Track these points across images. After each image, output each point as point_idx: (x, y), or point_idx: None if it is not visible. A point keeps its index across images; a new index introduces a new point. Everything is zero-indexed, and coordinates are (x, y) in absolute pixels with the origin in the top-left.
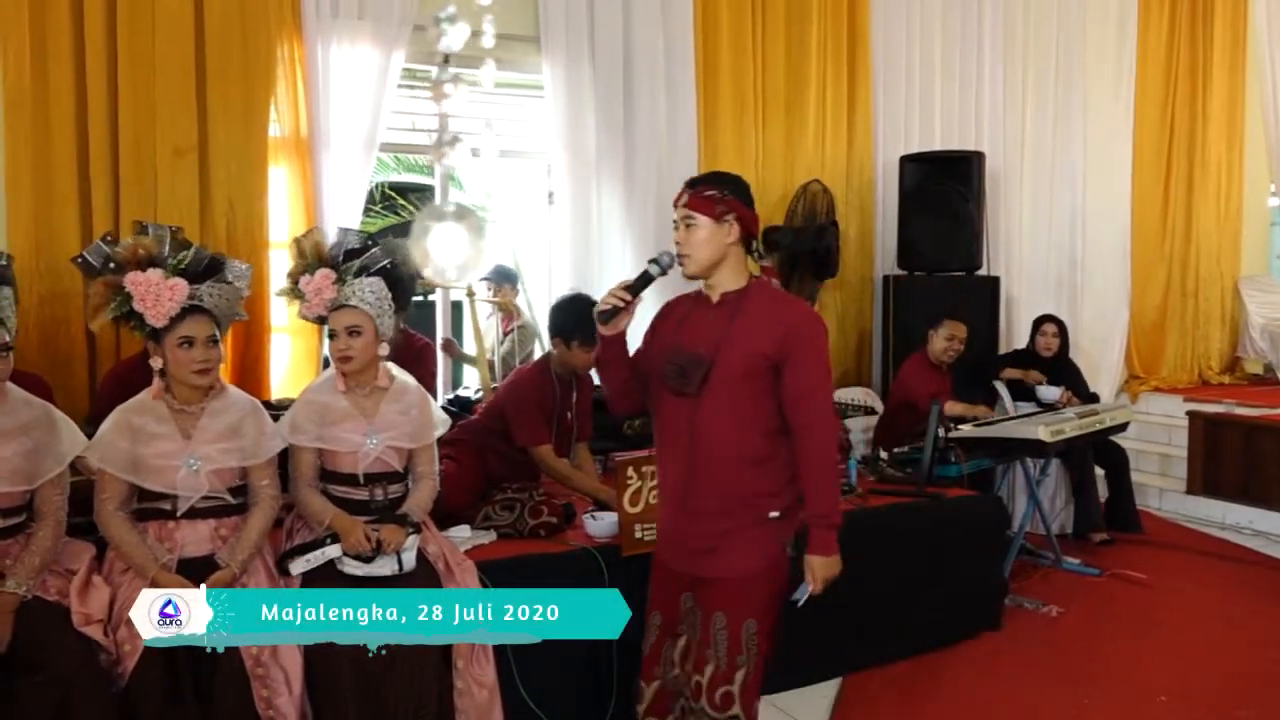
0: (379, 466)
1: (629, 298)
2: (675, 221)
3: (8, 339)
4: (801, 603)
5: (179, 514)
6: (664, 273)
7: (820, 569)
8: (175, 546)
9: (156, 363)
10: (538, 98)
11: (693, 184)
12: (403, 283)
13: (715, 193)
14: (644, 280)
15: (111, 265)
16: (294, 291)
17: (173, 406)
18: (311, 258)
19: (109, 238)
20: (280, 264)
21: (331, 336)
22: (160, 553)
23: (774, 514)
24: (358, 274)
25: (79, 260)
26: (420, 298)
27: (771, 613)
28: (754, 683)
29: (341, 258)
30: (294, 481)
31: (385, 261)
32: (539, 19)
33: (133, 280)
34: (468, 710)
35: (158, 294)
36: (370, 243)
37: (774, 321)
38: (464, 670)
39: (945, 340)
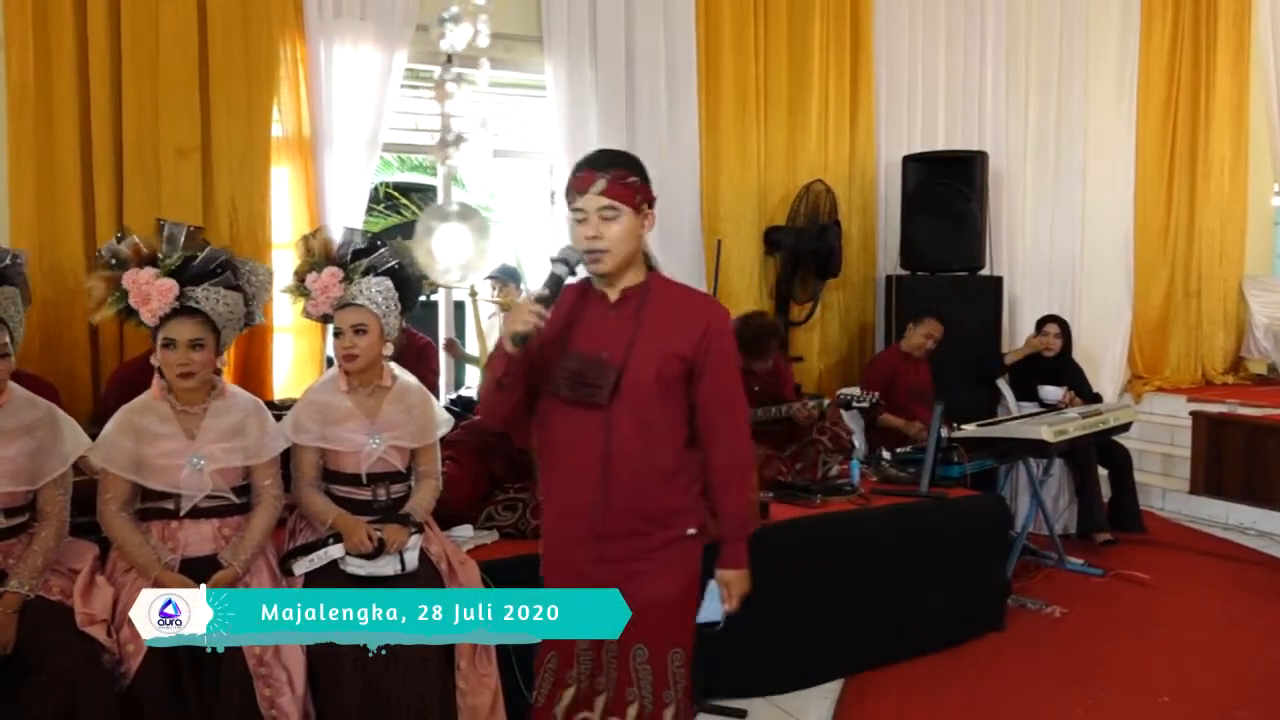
0: (381, 466)
1: (546, 314)
2: (583, 213)
3: (7, 341)
4: (721, 626)
5: (182, 513)
6: (573, 273)
7: (737, 584)
8: (178, 546)
9: (156, 360)
10: (540, 98)
11: (606, 167)
12: (410, 283)
13: (635, 179)
14: (556, 286)
15: (114, 261)
16: (299, 289)
17: (175, 407)
18: (319, 256)
19: (120, 235)
20: (283, 264)
21: (337, 335)
22: (163, 553)
23: (691, 531)
24: (365, 273)
25: (98, 254)
26: (424, 298)
27: (693, 637)
28: (686, 718)
29: (349, 257)
30: (296, 481)
31: (393, 262)
32: (541, 19)
33: (128, 278)
34: (470, 710)
35: (146, 293)
36: (379, 243)
37: (689, 318)
38: (466, 670)
39: (923, 337)
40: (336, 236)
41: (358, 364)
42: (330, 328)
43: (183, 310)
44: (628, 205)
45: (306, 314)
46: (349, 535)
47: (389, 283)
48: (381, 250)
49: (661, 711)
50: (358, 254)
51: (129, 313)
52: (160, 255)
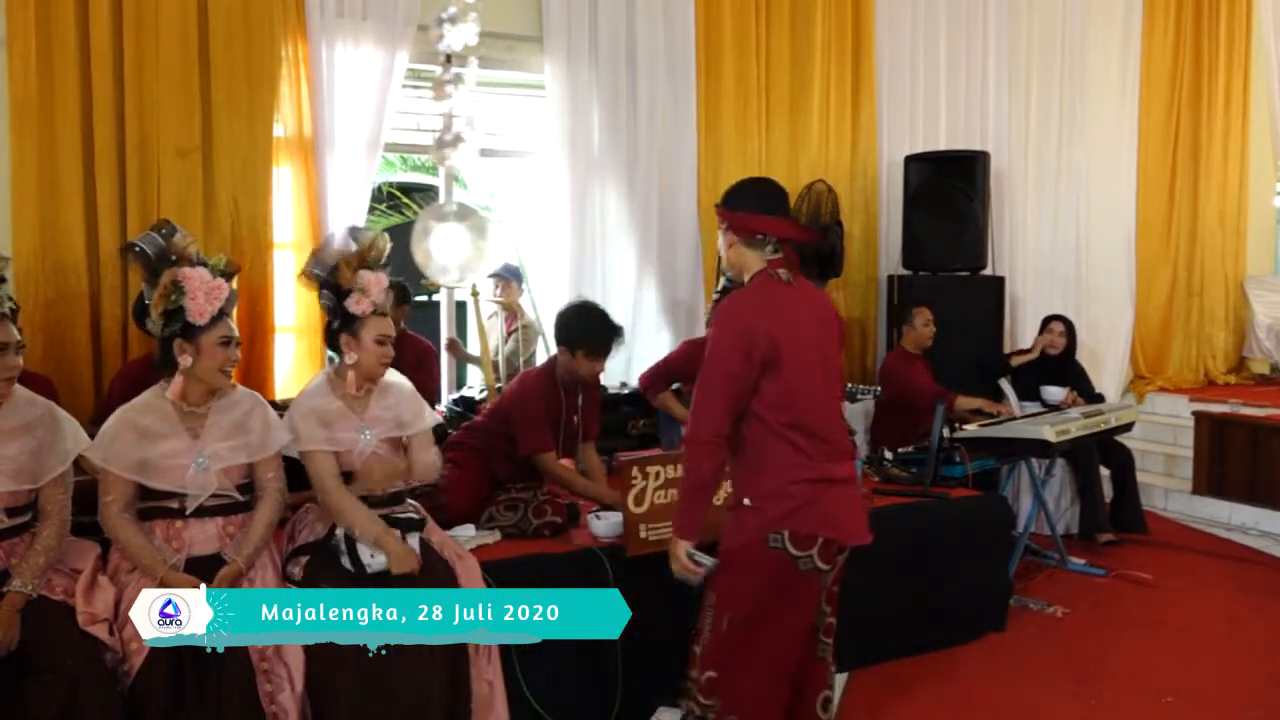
0: (375, 461)
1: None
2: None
3: (19, 337)
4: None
5: (188, 513)
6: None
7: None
8: (183, 546)
9: (186, 361)
10: (540, 98)
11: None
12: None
13: (720, 206)
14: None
15: (173, 258)
16: (352, 281)
17: (181, 409)
18: (373, 257)
19: (164, 230)
20: (285, 264)
21: (379, 343)
22: (168, 554)
23: (746, 501)
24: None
25: (136, 249)
26: (424, 298)
27: (728, 604)
28: (708, 654)
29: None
30: (322, 489)
31: (390, 278)
32: (541, 19)
33: (187, 275)
34: (472, 707)
35: (208, 291)
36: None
37: None
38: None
39: (924, 325)
40: (338, 236)
41: (386, 370)
42: (373, 336)
43: (221, 310)
44: (721, 227)
45: (353, 306)
46: (398, 563)
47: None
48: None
49: (698, 639)
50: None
51: (171, 312)
52: (203, 259)
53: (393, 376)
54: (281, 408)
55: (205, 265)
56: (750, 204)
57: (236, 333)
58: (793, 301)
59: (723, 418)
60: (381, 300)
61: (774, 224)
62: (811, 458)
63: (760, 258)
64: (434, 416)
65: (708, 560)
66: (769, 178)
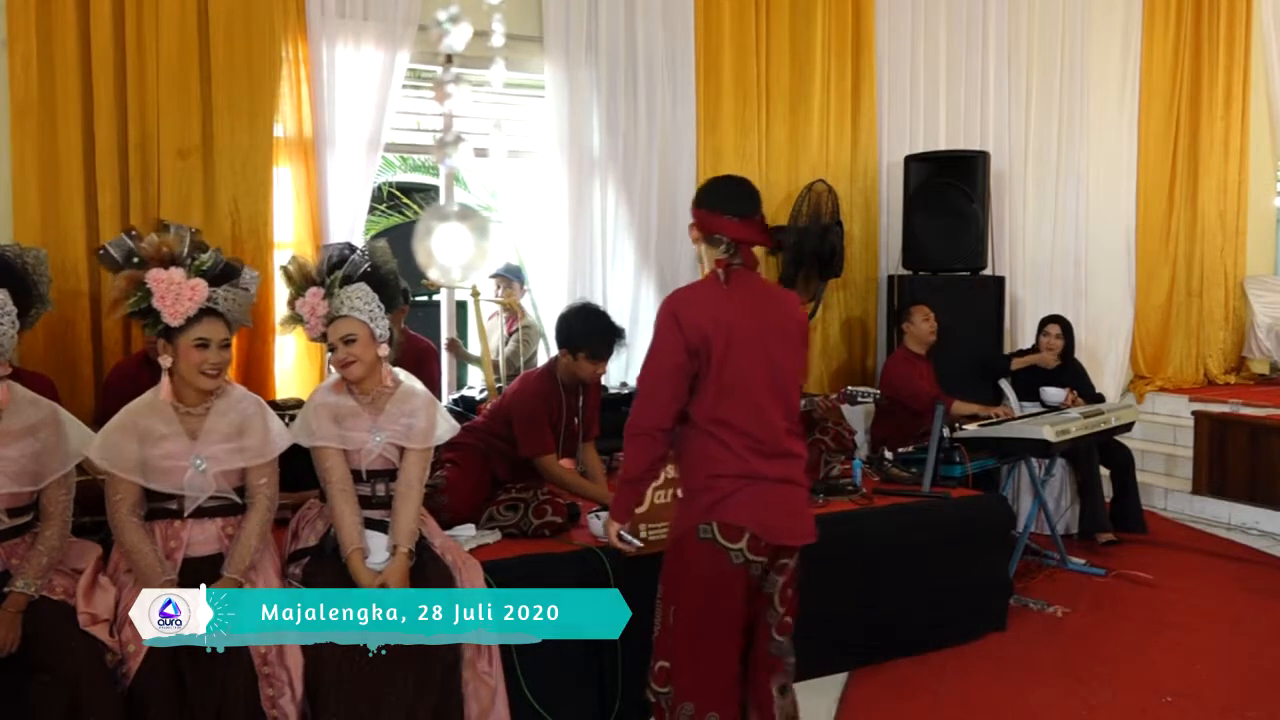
0: (381, 463)
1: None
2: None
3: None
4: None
5: (186, 514)
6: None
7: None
8: (180, 545)
9: (165, 361)
10: (540, 98)
11: None
12: (386, 283)
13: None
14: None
15: (135, 260)
16: (295, 318)
17: (179, 409)
18: (299, 280)
19: (133, 233)
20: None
21: (332, 350)
22: (167, 567)
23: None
24: (343, 284)
25: (101, 252)
26: (425, 298)
27: (673, 595)
28: (660, 644)
29: (326, 270)
30: (327, 488)
31: (365, 266)
32: (541, 19)
33: (154, 277)
34: (472, 708)
35: (178, 293)
36: (348, 251)
37: None
38: (468, 661)
39: (924, 321)
40: (337, 237)
41: (356, 371)
42: (327, 344)
43: (207, 311)
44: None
45: (312, 339)
46: (357, 580)
47: (366, 286)
48: (352, 257)
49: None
50: (333, 267)
51: (144, 313)
52: (188, 258)
53: (416, 384)
54: (281, 407)
55: (183, 266)
56: (711, 203)
57: (220, 335)
58: (732, 301)
59: (665, 410)
60: (323, 312)
61: (727, 224)
62: (737, 454)
63: (714, 256)
64: (450, 430)
65: (635, 541)
66: (741, 177)
